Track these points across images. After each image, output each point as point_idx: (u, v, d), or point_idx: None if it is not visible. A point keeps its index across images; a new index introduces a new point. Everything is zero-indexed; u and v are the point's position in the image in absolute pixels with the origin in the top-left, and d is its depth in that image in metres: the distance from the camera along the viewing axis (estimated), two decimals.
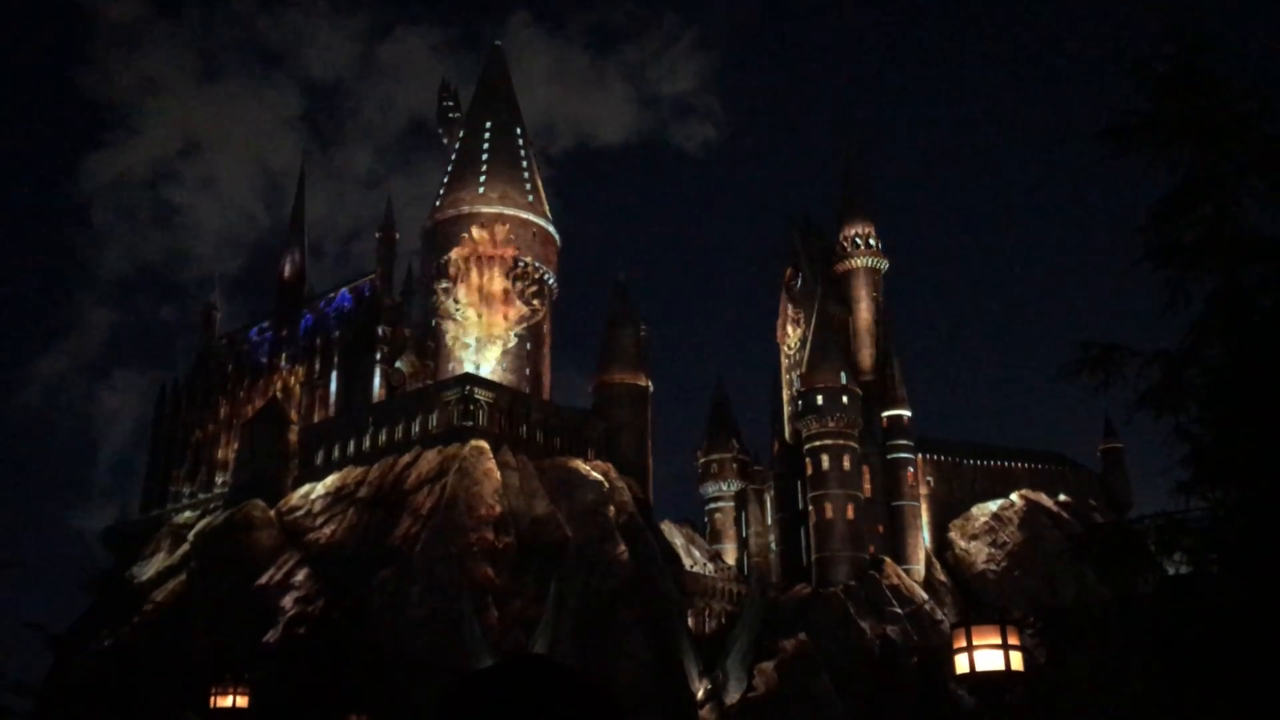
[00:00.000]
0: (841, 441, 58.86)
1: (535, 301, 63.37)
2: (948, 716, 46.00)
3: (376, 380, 57.18)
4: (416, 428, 52.11)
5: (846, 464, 58.64)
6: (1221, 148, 9.13)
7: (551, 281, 65.64)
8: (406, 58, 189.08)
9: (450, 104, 72.22)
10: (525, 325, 62.36)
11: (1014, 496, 66.46)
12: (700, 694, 47.54)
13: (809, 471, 59.08)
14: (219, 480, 61.03)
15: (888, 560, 58.63)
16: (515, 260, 62.63)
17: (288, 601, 45.86)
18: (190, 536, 56.02)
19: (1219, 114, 9.18)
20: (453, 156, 67.57)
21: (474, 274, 61.98)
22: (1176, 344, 8.96)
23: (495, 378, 57.17)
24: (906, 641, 52.67)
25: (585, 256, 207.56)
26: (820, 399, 59.35)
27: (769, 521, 63.28)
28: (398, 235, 63.10)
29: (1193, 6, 9.63)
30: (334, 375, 59.37)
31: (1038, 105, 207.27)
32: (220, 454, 62.48)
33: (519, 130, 67.99)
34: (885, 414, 62.58)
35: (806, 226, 69.94)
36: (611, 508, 50.30)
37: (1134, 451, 72.91)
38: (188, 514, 60.33)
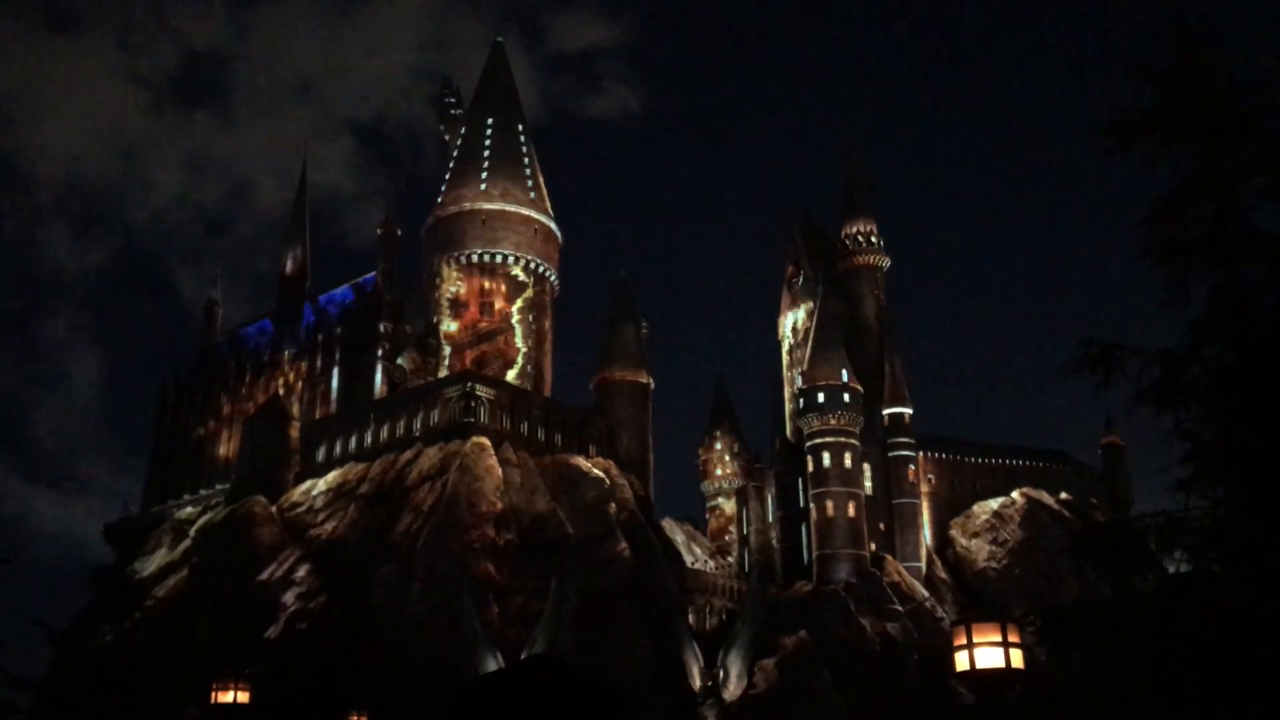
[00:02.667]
0: (843, 439, 58.88)
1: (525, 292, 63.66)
2: (948, 714, 46.07)
3: (378, 377, 57.21)
4: (418, 424, 52.15)
5: (848, 461, 58.66)
6: (1223, 145, 9.13)
7: (553, 279, 65.77)
8: (285, 22, 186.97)
9: (452, 101, 72.37)
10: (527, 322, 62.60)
11: (1015, 494, 66.48)
12: (700, 691, 47.57)
13: (810, 469, 59.11)
14: (220, 476, 61.05)
15: (889, 558, 58.68)
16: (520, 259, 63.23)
17: (289, 598, 45.91)
18: (192, 532, 56.09)
19: (1220, 111, 9.17)
20: (454, 153, 67.70)
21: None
22: (1178, 342, 8.97)
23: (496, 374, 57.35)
24: (907, 639, 52.72)
25: (586, 252, 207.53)
26: (821, 396, 59.36)
27: (770, 519, 63.30)
28: (399, 231, 63.14)
29: (1194, 3, 9.61)
30: (335, 372, 59.39)
31: (1039, 101, 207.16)
32: (222, 450, 62.52)
33: (520, 127, 68.11)
34: (886, 411, 62.61)
35: (808, 224, 69.97)
36: (612, 505, 50.35)
37: (1135, 449, 72.97)
38: (189, 510, 60.37)
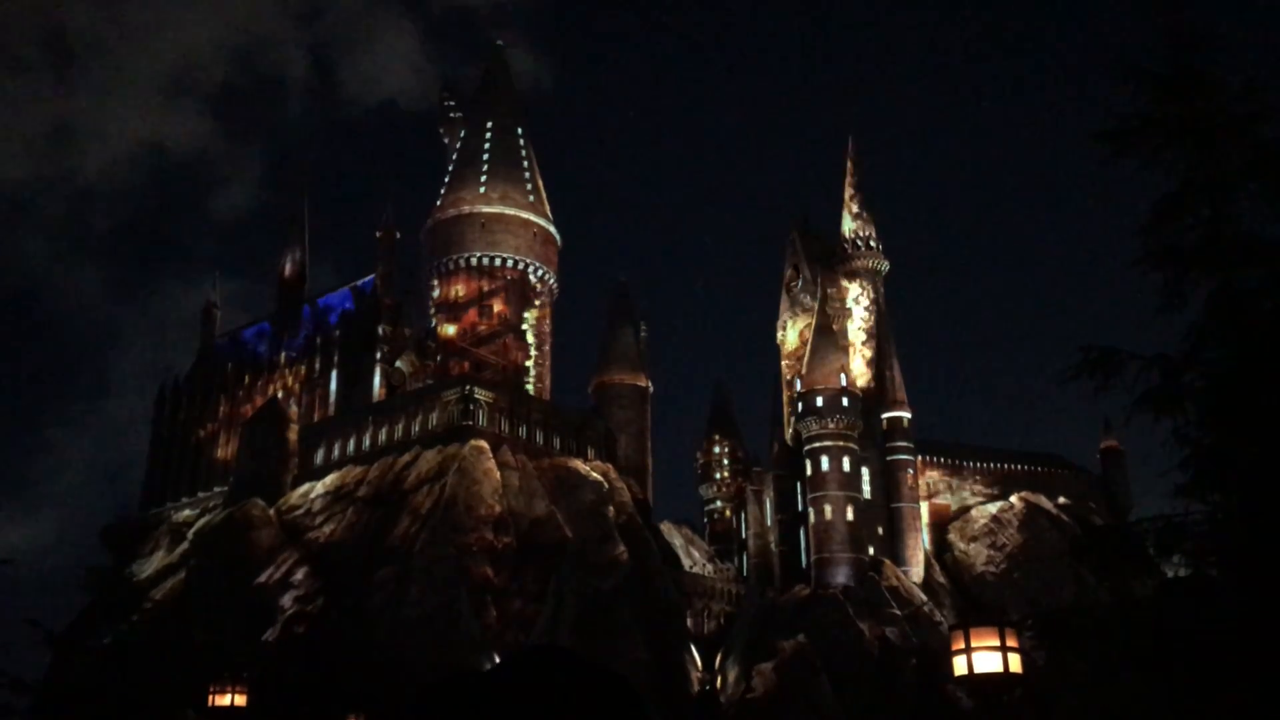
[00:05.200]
0: (841, 443, 58.82)
1: (536, 302, 63.66)
2: (946, 718, 46.01)
3: (376, 380, 57.20)
4: (416, 427, 52.13)
5: (846, 465, 58.61)
6: (1218, 150, 9.14)
7: (552, 282, 65.79)
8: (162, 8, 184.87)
9: (451, 103, 72.41)
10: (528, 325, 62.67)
11: (1013, 499, 66.44)
12: (699, 695, 47.52)
13: (808, 473, 59.05)
14: (218, 479, 60.98)
15: (887, 562, 58.61)
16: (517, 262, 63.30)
17: (287, 600, 45.88)
18: (190, 535, 56.02)
19: (1216, 117, 9.20)
20: (454, 156, 67.73)
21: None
22: (1175, 347, 8.97)
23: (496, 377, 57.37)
24: (905, 643, 52.66)
25: (586, 255, 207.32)
26: (820, 400, 59.33)
27: (768, 522, 63.24)
28: (398, 235, 63.16)
29: (1190, 9, 9.64)
30: (334, 374, 59.36)
31: (1037, 105, 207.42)
32: (220, 453, 62.45)
33: (520, 130, 68.16)
34: (885, 415, 62.58)
35: (806, 227, 69.98)
36: (611, 508, 50.33)
37: (1134, 454, 72.92)
38: (187, 512, 60.31)
